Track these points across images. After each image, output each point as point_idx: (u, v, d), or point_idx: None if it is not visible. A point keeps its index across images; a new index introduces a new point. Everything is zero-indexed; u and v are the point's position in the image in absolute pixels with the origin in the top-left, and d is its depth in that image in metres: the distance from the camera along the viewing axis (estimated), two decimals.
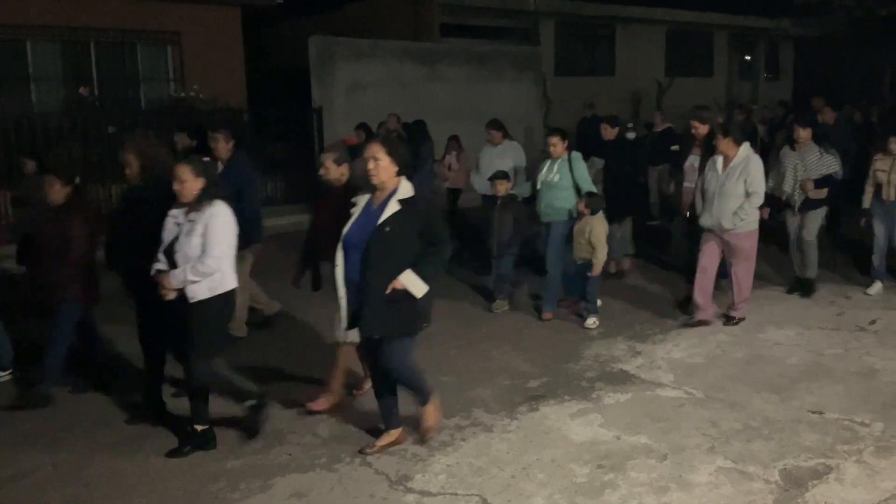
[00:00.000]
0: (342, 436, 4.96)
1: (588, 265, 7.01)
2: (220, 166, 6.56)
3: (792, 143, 7.69)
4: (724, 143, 6.58)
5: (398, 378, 4.65)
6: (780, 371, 5.90)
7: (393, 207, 4.36)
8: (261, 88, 14.40)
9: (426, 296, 4.37)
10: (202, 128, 8.44)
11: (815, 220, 7.68)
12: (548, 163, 7.42)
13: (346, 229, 4.50)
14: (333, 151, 5.53)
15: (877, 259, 7.90)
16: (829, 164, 7.57)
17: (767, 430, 4.89)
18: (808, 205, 7.60)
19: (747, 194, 6.49)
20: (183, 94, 13.06)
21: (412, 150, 10.11)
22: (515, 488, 4.27)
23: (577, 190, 7.23)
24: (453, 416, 5.18)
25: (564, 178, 7.26)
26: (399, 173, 4.47)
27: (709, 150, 6.93)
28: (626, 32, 20.34)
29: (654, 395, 5.51)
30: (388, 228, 4.31)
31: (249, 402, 4.90)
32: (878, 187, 7.77)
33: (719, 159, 6.64)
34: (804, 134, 7.58)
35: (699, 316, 6.85)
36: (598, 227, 6.96)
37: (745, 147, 6.61)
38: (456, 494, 4.23)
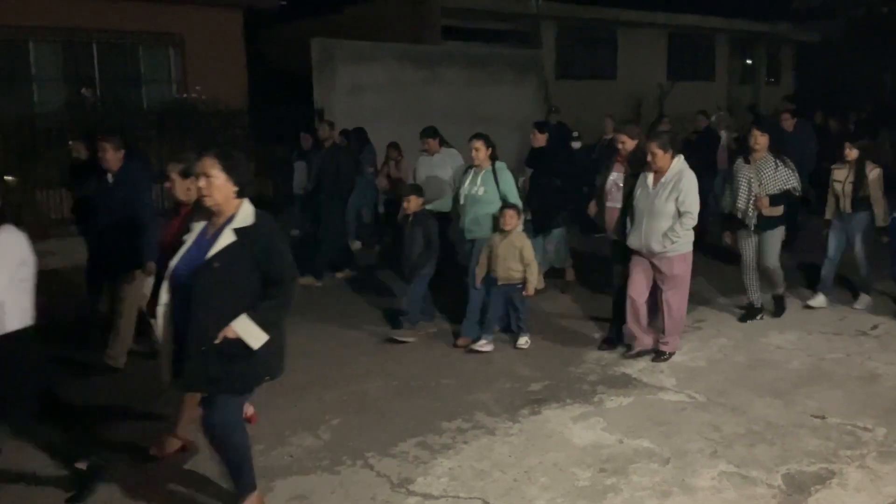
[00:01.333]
0: (344, 438, 4.95)
1: (517, 287, 6.49)
2: (111, 178, 6.17)
3: (747, 154, 7.01)
4: (660, 158, 5.89)
5: (214, 442, 3.84)
6: (782, 375, 5.89)
7: (227, 238, 3.63)
8: (262, 90, 14.39)
9: (270, 344, 3.67)
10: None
11: (774, 242, 7.01)
12: (471, 173, 6.84)
13: (173, 261, 3.78)
14: (180, 162, 4.79)
15: (825, 271, 7.57)
16: (786, 178, 6.85)
17: (770, 434, 4.89)
18: (764, 223, 6.91)
19: (679, 214, 5.87)
20: (185, 96, 13.04)
21: (351, 159, 9.71)
22: (517, 492, 4.26)
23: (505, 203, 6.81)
24: (455, 419, 5.18)
25: (489, 190, 6.68)
26: (239, 194, 3.71)
27: (635, 167, 6.29)
28: (627, 36, 20.34)
29: (656, 398, 5.50)
30: (217, 264, 3.59)
31: (81, 463, 4.25)
32: (835, 199, 7.45)
33: (650, 175, 5.99)
34: (762, 140, 6.88)
35: (637, 347, 6.24)
36: (526, 243, 6.48)
37: (679, 161, 5.95)
38: (458, 497, 4.23)
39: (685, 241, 5.96)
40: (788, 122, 9.97)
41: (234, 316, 3.58)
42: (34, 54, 12.46)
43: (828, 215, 7.57)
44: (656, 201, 5.89)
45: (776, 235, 6.98)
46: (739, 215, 6.94)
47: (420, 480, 4.40)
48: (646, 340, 6.22)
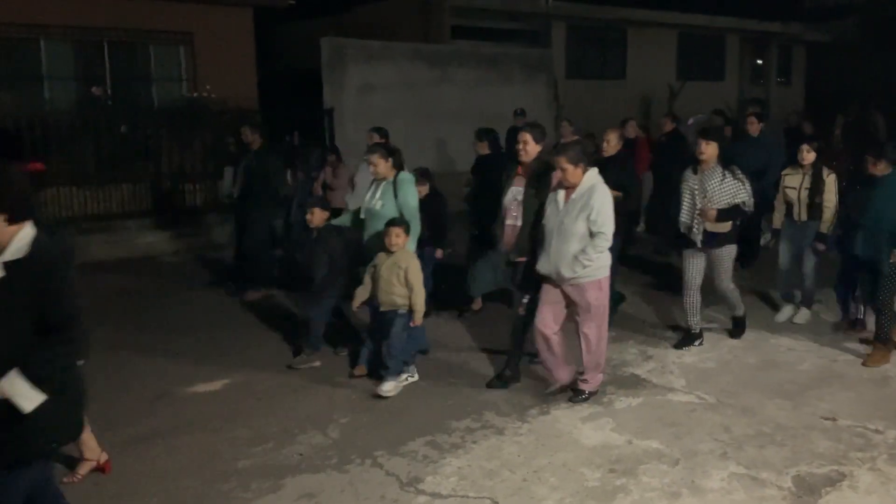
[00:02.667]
0: (353, 437, 4.96)
1: (399, 314, 5.71)
2: None
3: (694, 163, 6.34)
4: (570, 172, 5.21)
5: None
6: (792, 377, 5.87)
7: None
8: (272, 89, 14.42)
9: (55, 403, 2.96)
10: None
11: (726, 262, 6.36)
12: (373, 186, 6.29)
13: None
14: None
15: (783, 284, 7.28)
16: (734, 191, 6.17)
17: (780, 436, 4.87)
18: (712, 240, 6.25)
19: (591, 234, 5.20)
20: (195, 94, 13.08)
21: (281, 162, 8.88)
22: (527, 492, 4.26)
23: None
24: (464, 419, 5.18)
25: (388, 204, 6.06)
26: (13, 220, 2.97)
27: (540, 181, 5.59)
28: (637, 36, 20.28)
29: (665, 399, 5.49)
30: None
31: None
32: (788, 206, 7.01)
33: (561, 192, 5.31)
34: (708, 150, 6.18)
35: (556, 385, 5.57)
36: (413, 265, 5.74)
37: (591, 175, 5.30)
38: (467, 497, 4.22)
39: (599, 265, 5.25)
40: (754, 127, 9.25)
41: (2, 372, 2.89)
42: (45, 53, 12.53)
43: (776, 224, 7.15)
44: (566, 220, 5.19)
45: (726, 255, 6.33)
46: (683, 230, 6.33)
47: (429, 479, 4.40)
48: (562, 376, 5.52)
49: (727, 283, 6.46)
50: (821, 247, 6.91)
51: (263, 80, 14.34)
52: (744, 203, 6.22)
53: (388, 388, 5.53)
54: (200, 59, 13.48)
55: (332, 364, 6.23)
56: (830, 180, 6.83)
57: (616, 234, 6.01)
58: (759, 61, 23.84)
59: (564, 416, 5.23)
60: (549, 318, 5.39)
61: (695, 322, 6.54)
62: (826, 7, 21.67)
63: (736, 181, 6.16)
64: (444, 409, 5.37)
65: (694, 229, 6.25)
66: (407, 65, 14.92)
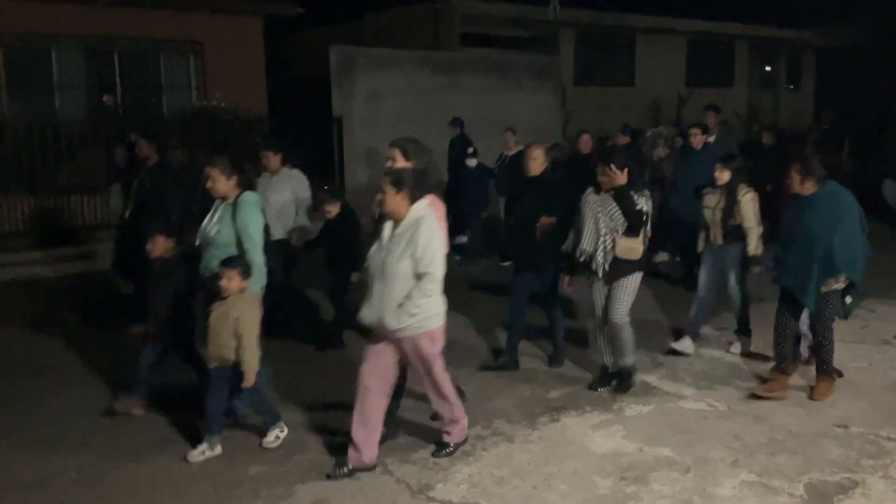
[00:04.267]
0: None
1: (229, 371, 4.78)
2: None
3: (596, 183, 5.62)
4: (390, 199, 4.44)
5: None
6: (803, 384, 5.83)
7: None
8: (281, 97, 14.49)
9: None
10: None
11: (625, 292, 5.59)
12: (214, 206, 5.27)
13: None
14: None
15: (693, 312, 6.58)
16: (641, 211, 5.52)
17: (792, 443, 4.85)
18: (616, 270, 5.56)
19: (418, 276, 4.38)
20: (205, 103, 13.15)
21: (176, 180, 7.89)
22: (537, 499, 4.25)
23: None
24: (474, 426, 5.16)
25: (226, 230, 5.05)
26: None
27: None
28: (646, 42, 20.29)
29: (676, 406, 5.48)
30: None
31: None
32: (707, 228, 6.52)
33: (388, 224, 4.51)
34: (608, 176, 5.44)
35: (352, 462, 4.52)
36: (248, 314, 4.74)
37: (419, 206, 4.45)
38: None
39: (430, 313, 4.43)
40: (697, 139, 8.47)
41: None
42: (57, 62, 12.65)
43: (700, 247, 6.61)
44: (388, 260, 4.39)
45: (627, 284, 5.57)
46: (584, 259, 5.63)
47: (440, 487, 4.40)
48: (366, 452, 4.54)
49: (621, 315, 5.58)
50: (756, 269, 6.33)
51: (273, 89, 14.40)
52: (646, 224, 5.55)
53: (269, 439, 4.91)
54: (210, 68, 13.57)
55: (350, 369, 6.24)
56: (746, 200, 6.30)
57: (552, 263, 6.00)
58: (768, 68, 23.81)
59: (574, 423, 5.22)
60: (371, 367, 4.55)
61: (610, 360, 5.82)
62: (835, 13, 21.61)
63: (641, 197, 5.50)
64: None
65: (598, 258, 5.54)
66: (416, 72, 14.97)
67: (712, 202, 6.44)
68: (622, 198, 5.45)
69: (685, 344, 6.50)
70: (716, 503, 4.19)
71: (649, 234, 5.64)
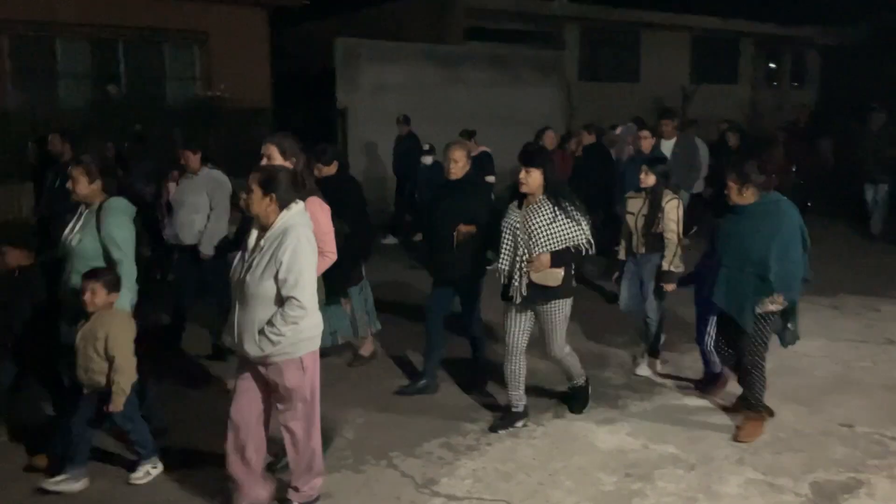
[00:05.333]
0: (368, 437, 4.96)
1: (103, 394, 4.28)
2: None
3: (520, 194, 4.92)
4: (256, 201, 3.79)
5: None
6: (808, 383, 5.84)
7: None
8: (285, 88, 14.47)
9: None
10: None
11: (556, 326, 4.95)
12: (77, 212, 4.77)
13: None
14: None
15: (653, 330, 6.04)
16: (566, 233, 4.76)
17: (797, 442, 4.85)
18: (536, 294, 4.85)
19: (282, 298, 3.73)
20: (209, 94, 13.13)
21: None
22: (542, 495, 4.25)
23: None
24: (478, 421, 5.18)
25: (88, 240, 4.55)
26: None
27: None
28: (651, 38, 20.23)
29: (681, 404, 5.48)
30: None
31: None
32: (629, 236, 6.00)
33: (254, 233, 3.90)
34: (530, 179, 4.76)
35: (239, 499, 4.04)
36: (118, 331, 4.24)
37: (290, 213, 3.81)
38: (482, 499, 4.23)
39: (299, 338, 3.81)
40: (647, 143, 7.89)
41: None
42: (61, 51, 12.62)
43: (621, 255, 6.09)
44: (249, 277, 3.76)
45: (557, 313, 4.92)
46: (503, 280, 4.98)
47: (444, 481, 4.41)
48: (254, 491, 4.04)
49: (560, 347, 5.07)
50: (668, 287, 5.75)
51: (277, 80, 14.38)
52: (579, 246, 4.83)
53: (139, 475, 4.43)
54: (215, 59, 13.54)
55: (345, 361, 6.24)
56: (671, 207, 5.74)
57: (477, 278, 5.51)
58: (773, 65, 23.76)
59: (579, 419, 5.22)
60: (243, 403, 3.97)
61: (516, 396, 5.11)
62: (841, 11, 21.55)
63: (569, 220, 4.76)
64: (458, 411, 5.37)
65: (515, 280, 4.88)
66: (420, 66, 14.94)
67: (635, 207, 5.91)
68: (537, 214, 4.78)
69: (643, 368, 6.05)
70: (721, 501, 4.19)
71: (587, 251, 4.87)
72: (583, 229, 4.81)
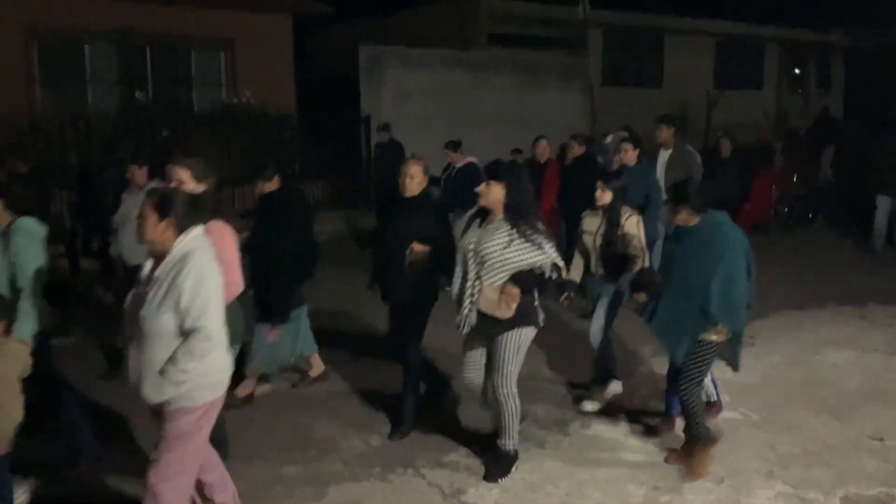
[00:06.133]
0: (394, 447, 4.97)
1: None
2: None
3: (482, 213, 4.51)
4: (154, 227, 3.42)
5: None
6: (838, 394, 5.78)
7: None
8: (309, 94, 14.55)
9: None
10: None
11: (507, 358, 4.40)
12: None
13: None
14: None
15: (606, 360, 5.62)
16: (526, 259, 4.28)
17: (827, 455, 4.80)
18: (488, 323, 4.38)
19: (184, 333, 3.34)
20: (234, 100, 13.23)
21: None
22: None
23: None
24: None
25: None
26: None
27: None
28: (674, 43, 20.17)
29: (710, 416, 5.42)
30: None
31: None
32: (586, 256, 5.58)
33: (149, 262, 3.55)
34: (490, 193, 4.35)
35: None
36: (4, 365, 3.76)
37: (189, 238, 3.44)
38: None
39: (205, 381, 3.43)
40: (629, 155, 7.39)
41: None
42: (89, 56, 12.78)
43: (573, 275, 5.53)
44: (144, 313, 3.36)
45: (509, 344, 4.39)
46: (458, 305, 4.47)
47: (472, 492, 4.41)
48: None
49: (506, 386, 4.44)
50: (640, 297, 5.04)
51: (301, 86, 14.47)
52: (539, 268, 4.33)
53: None
54: (240, 65, 13.66)
55: (378, 369, 6.26)
56: (630, 224, 5.37)
57: (427, 304, 4.99)
58: (798, 70, 23.58)
59: (606, 430, 5.20)
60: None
61: (507, 440, 4.58)
62: (866, 15, 21.35)
63: (529, 245, 4.28)
64: (486, 419, 5.33)
65: (465, 308, 4.39)
66: (444, 71, 14.98)
67: (592, 226, 5.48)
68: (492, 237, 4.32)
69: (590, 406, 5.52)
70: None
71: (557, 276, 4.43)
72: (546, 252, 4.30)
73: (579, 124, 16.37)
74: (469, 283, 4.36)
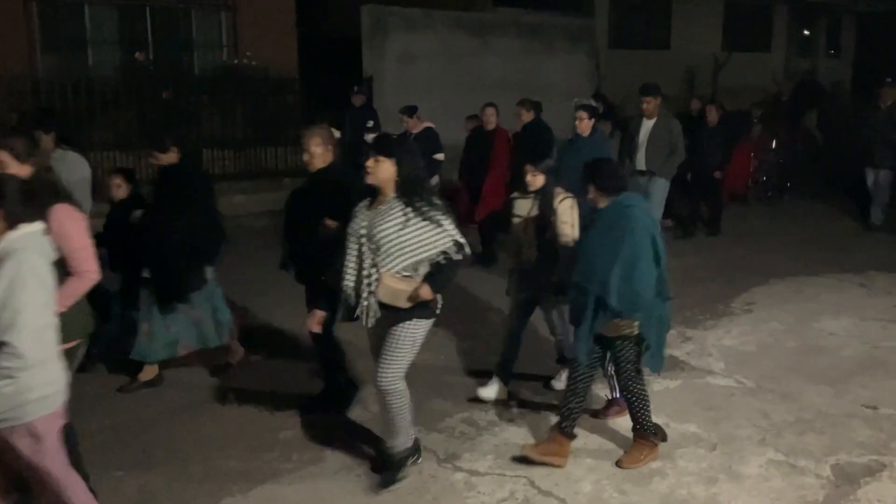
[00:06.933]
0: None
1: None
2: None
3: (372, 193, 4.07)
4: None
5: None
6: (835, 363, 5.80)
7: None
8: (312, 56, 14.42)
9: None
10: None
11: (398, 348, 3.99)
12: None
13: None
14: None
15: (506, 349, 5.25)
16: (427, 239, 3.87)
17: (820, 423, 4.84)
18: (392, 315, 3.96)
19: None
20: (235, 62, 13.13)
21: None
22: (563, 472, 4.29)
23: None
24: (500, 396, 5.20)
25: None
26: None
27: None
28: (682, 5, 19.85)
29: (704, 382, 5.47)
30: None
31: None
32: (518, 244, 5.10)
33: None
34: (380, 170, 3.92)
35: None
36: None
37: (16, 234, 3.09)
38: (504, 475, 4.28)
39: (24, 399, 3.06)
40: (584, 125, 7.02)
41: None
42: (90, 18, 12.67)
43: (510, 264, 5.27)
44: None
45: (404, 335, 3.99)
46: (350, 300, 4.09)
47: (466, 456, 4.46)
48: None
49: (392, 377, 4.01)
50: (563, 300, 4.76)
51: (304, 48, 14.33)
52: (444, 254, 3.92)
53: None
54: (242, 26, 13.51)
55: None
56: (564, 207, 4.86)
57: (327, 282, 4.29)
58: (807, 32, 23.24)
59: (599, 402, 5.23)
60: None
61: (396, 439, 4.19)
62: None
63: (426, 223, 3.88)
64: (481, 386, 5.39)
65: (363, 300, 3.99)
66: (448, 33, 14.80)
67: (523, 210, 5.03)
68: (385, 218, 3.90)
69: (488, 391, 5.16)
70: (741, 481, 4.20)
71: (463, 257, 3.99)
72: (446, 230, 3.89)
73: (585, 87, 16.24)
74: (365, 272, 3.95)
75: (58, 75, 11.60)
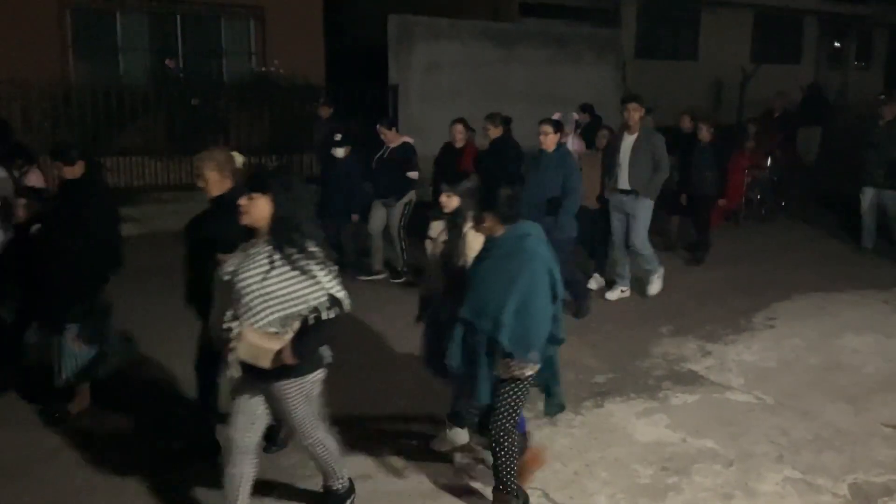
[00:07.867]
0: (409, 422, 5.06)
1: None
2: None
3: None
4: None
5: None
6: (856, 380, 5.76)
7: None
8: (339, 65, 14.54)
9: None
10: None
11: (296, 403, 3.56)
12: None
13: None
14: None
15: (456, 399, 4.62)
16: (293, 291, 3.36)
17: (839, 441, 4.80)
18: (264, 376, 3.47)
19: None
20: (264, 69, 13.28)
21: None
22: (578, 485, 4.30)
23: None
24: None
25: None
26: None
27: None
28: (711, 16, 19.77)
29: (723, 398, 5.45)
30: None
31: None
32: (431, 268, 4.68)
33: None
34: (254, 208, 3.43)
35: None
36: None
37: None
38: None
39: None
40: (549, 140, 6.75)
41: None
42: (121, 25, 12.87)
43: (422, 291, 4.88)
44: None
45: (291, 396, 3.53)
46: (224, 347, 3.55)
47: (481, 468, 4.47)
48: None
49: (309, 435, 3.71)
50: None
51: (331, 56, 14.46)
52: (315, 311, 3.39)
53: None
54: (270, 34, 13.65)
55: (394, 344, 6.33)
56: (473, 235, 4.19)
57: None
58: (837, 44, 23.03)
59: (619, 410, 5.24)
60: None
61: (335, 481, 3.94)
62: None
63: (296, 273, 3.37)
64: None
65: (231, 354, 3.41)
66: (474, 43, 14.86)
67: (435, 232, 4.61)
68: (249, 266, 3.40)
69: (456, 434, 4.68)
70: (757, 499, 4.19)
71: (334, 313, 3.43)
72: (320, 282, 3.39)
73: (611, 99, 16.22)
74: (225, 325, 3.41)
75: (90, 82, 11.81)
